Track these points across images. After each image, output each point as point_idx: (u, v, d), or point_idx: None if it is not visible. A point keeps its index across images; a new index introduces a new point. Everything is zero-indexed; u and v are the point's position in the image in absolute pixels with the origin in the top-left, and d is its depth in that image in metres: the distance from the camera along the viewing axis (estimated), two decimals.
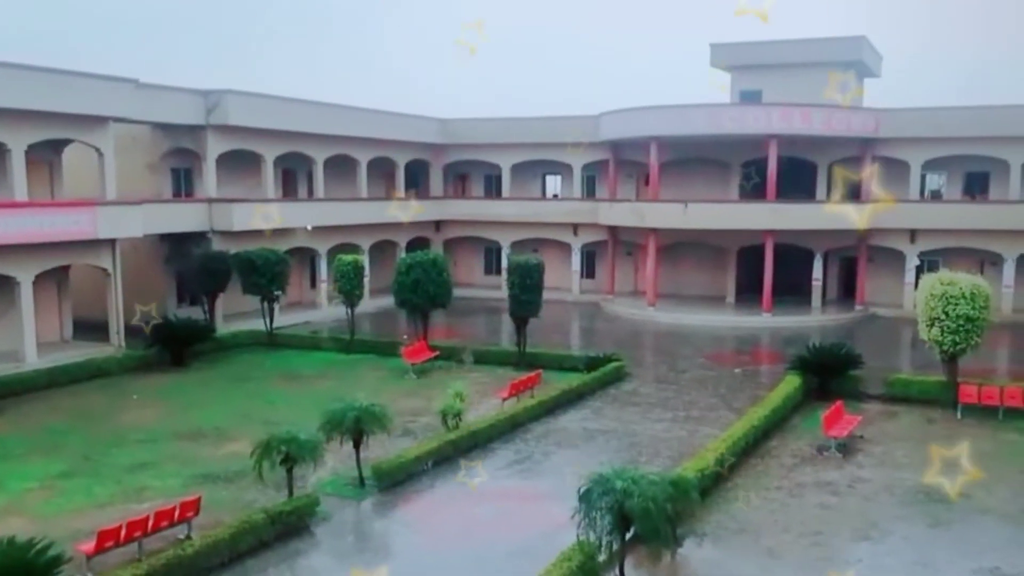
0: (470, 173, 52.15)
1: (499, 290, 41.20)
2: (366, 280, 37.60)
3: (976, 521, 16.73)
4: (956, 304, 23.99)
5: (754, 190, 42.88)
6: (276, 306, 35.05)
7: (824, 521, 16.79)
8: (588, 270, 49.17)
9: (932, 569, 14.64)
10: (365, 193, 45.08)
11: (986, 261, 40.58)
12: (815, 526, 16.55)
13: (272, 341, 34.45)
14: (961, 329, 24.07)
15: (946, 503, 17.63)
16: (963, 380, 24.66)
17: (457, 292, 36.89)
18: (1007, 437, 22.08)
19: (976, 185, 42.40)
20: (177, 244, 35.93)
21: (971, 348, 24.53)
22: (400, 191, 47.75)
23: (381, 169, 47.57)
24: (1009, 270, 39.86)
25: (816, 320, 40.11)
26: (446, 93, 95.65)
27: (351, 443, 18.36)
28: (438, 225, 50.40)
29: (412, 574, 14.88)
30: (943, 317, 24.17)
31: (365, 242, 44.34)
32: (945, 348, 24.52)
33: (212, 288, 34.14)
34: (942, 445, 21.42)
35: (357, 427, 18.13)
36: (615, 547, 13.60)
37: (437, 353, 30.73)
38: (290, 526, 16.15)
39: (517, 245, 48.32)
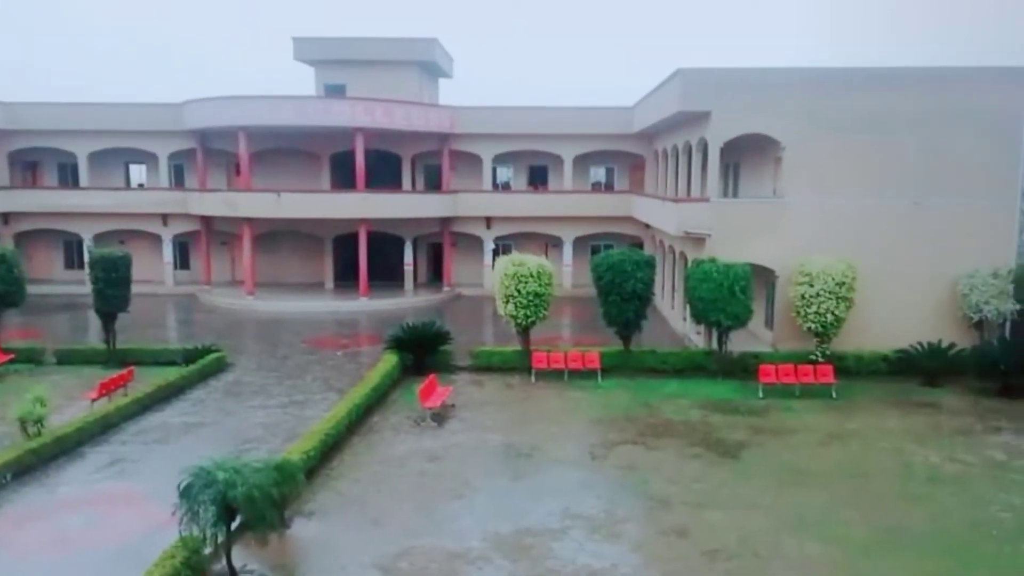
0: (42, 161, 46.59)
1: (83, 285, 37.48)
2: None
3: (550, 470, 18.57)
4: (526, 282, 26.41)
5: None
6: None
7: (423, 486, 17.58)
8: (182, 261, 46.62)
9: (516, 516, 15.95)
10: None
11: (549, 243, 45.11)
12: (415, 492, 17.27)
13: None
14: (531, 304, 26.57)
15: (526, 457, 19.37)
16: (535, 348, 27.24)
17: (33, 289, 33.08)
18: (572, 395, 24.77)
19: (538, 177, 46.86)
20: None
21: (540, 320, 27.18)
22: None
23: None
24: (568, 251, 44.67)
25: (409, 302, 41.74)
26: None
27: None
28: (6, 218, 44.49)
29: None
30: (516, 294, 26.48)
31: None
32: (519, 321, 26.89)
33: None
34: (520, 406, 23.53)
35: None
36: (221, 538, 13.13)
37: (12, 356, 27.29)
38: None
39: (101, 237, 44.32)
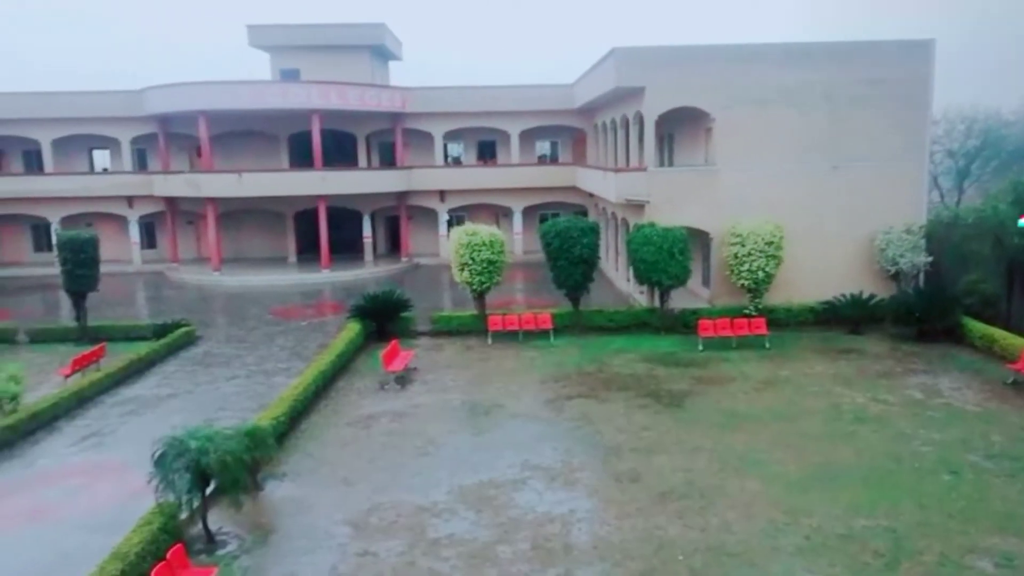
0: (5, 149, 44.70)
1: (53, 267, 36.14)
2: None
3: (509, 425, 18.41)
4: (480, 251, 26.10)
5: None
6: None
7: (389, 446, 17.30)
8: (149, 240, 45.27)
9: (478, 469, 15.78)
10: None
11: (500, 214, 44.71)
12: (382, 451, 16.99)
13: None
14: (485, 271, 26.29)
15: (486, 414, 19.18)
16: (490, 312, 26.97)
17: (3, 272, 31.81)
18: (527, 354, 24.59)
19: (487, 151, 46.32)
20: None
21: (494, 285, 26.93)
22: None
23: None
24: (518, 220, 44.35)
25: (370, 272, 41.09)
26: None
27: None
28: None
29: None
30: (471, 262, 26.17)
31: None
32: (474, 287, 26.61)
33: None
34: (479, 367, 23.30)
35: None
36: (196, 503, 12.78)
37: None
38: None
39: (69, 220, 42.78)
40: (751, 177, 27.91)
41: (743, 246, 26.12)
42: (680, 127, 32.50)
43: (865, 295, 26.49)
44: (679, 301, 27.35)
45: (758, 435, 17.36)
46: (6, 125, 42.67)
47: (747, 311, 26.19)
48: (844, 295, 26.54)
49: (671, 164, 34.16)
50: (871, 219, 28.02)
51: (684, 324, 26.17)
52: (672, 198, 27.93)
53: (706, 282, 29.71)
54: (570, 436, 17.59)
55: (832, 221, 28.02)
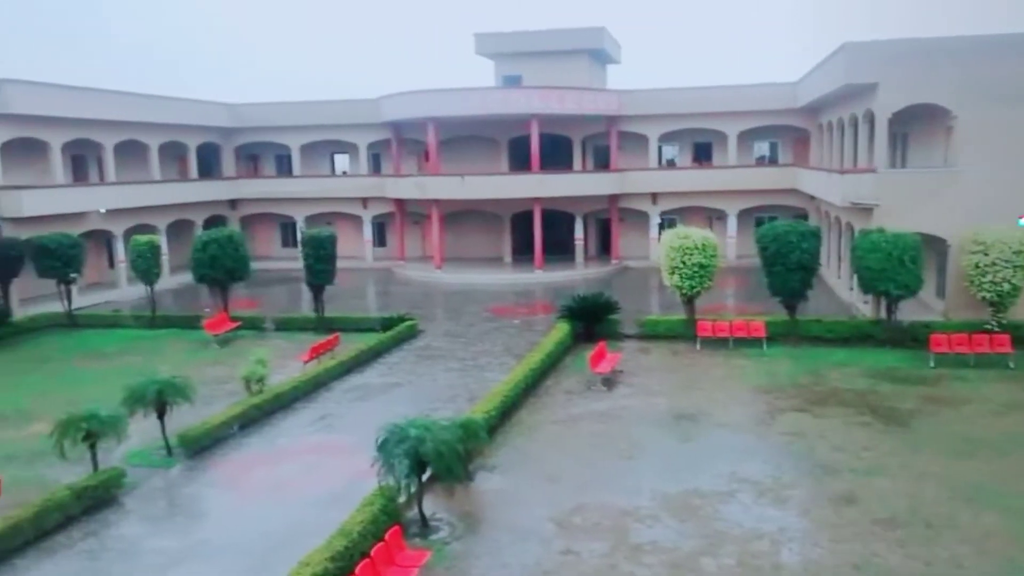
0: (261, 154, 49.58)
1: (297, 261, 39.57)
2: (164, 258, 35.12)
3: (715, 434, 17.88)
4: (691, 254, 25.51)
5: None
6: (74, 288, 31.81)
7: (594, 446, 17.36)
8: (379, 239, 48.33)
9: (683, 477, 15.45)
10: (158, 175, 41.77)
11: (713, 217, 43.50)
12: (587, 451, 17.08)
13: (72, 322, 31.36)
14: (696, 275, 25.66)
15: (692, 421, 18.74)
16: (700, 317, 26.31)
17: (256, 265, 35.32)
18: (736, 362, 23.76)
19: (703, 153, 45.19)
20: None
21: (704, 290, 26.23)
22: (194, 172, 44.80)
23: (173, 152, 44.31)
24: (732, 223, 42.96)
25: (580, 274, 41.46)
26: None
27: (156, 415, 17.07)
28: (233, 203, 47.67)
29: (224, 529, 14.00)
30: (681, 266, 25.64)
31: (161, 222, 41.15)
32: (684, 292, 26.06)
33: (5, 274, 30.42)
34: (686, 373, 22.82)
35: (160, 399, 16.90)
36: (413, 488, 13.46)
37: (239, 323, 29.22)
38: (97, 499, 14.90)
39: (311, 219, 46.68)
40: (997, 180, 25.29)
41: (986, 255, 23.69)
42: (915, 125, 30.00)
43: None
44: (908, 313, 25.28)
45: (997, 464, 15.69)
46: (264, 132, 47.35)
47: (988, 326, 23.71)
48: None
49: (903, 165, 31.60)
50: None
51: (913, 338, 24.14)
52: (904, 201, 25.89)
53: (940, 293, 27.26)
54: (781, 450, 16.79)
55: None
